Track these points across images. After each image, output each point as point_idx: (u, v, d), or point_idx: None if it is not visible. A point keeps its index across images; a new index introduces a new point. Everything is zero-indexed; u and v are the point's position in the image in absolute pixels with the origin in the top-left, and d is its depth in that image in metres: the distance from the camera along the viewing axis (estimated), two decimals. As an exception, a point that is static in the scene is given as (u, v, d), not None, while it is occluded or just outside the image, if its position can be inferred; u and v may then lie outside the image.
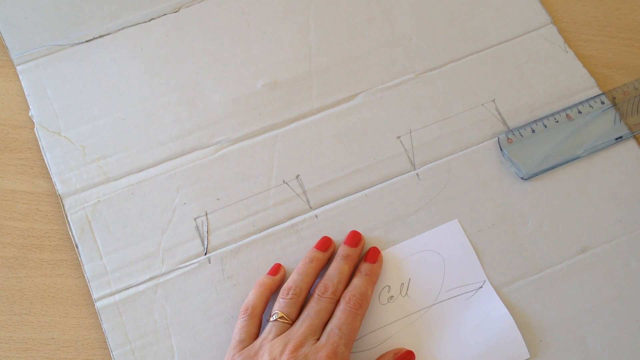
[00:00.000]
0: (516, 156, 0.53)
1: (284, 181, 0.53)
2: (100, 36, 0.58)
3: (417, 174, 0.54)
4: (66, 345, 0.49)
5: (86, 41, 0.58)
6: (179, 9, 0.59)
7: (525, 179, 0.53)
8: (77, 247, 0.51)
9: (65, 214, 0.52)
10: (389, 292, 0.50)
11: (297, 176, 0.54)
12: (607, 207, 0.53)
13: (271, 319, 0.46)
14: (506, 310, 0.49)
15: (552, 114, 0.55)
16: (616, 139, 0.54)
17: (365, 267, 0.49)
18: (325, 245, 0.50)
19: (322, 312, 0.46)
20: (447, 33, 0.59)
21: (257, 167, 0.54)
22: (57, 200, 0.53)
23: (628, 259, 0.51)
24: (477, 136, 0.55)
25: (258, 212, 0.52)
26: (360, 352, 0.49)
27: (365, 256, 0.50)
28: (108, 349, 0.48)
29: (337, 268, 0.49)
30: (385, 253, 0.51)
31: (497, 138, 0.55)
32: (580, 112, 0.55)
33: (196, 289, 0.50)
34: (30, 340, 0.49)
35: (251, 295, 0.48)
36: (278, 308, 0.46)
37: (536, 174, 0.53)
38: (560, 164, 0.53)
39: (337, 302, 0.47)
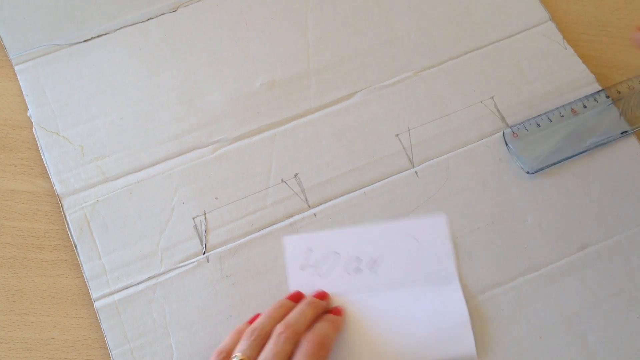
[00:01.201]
0: (522, 151, 0.53)
1: (282, 180, 0.53)
2: (99, 36, 0.58)
3: (415, 172, 0.54)
4: (66, 345, 0.49)
5: (84, 41, 0.58)
6: (177, 8, 0.59)
7: (531, 174, 0.53)
8: (75, 247, 0.51)
9: (64, 213, 0.52)
10: (358, 264, 0.50)
11: (296, 175, 0.54)
12: (607, 204, 0.53)
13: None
14: (466, 311, 0.49)
15: (557, 108, 0.55)
16: (622, 133, 0.54)
17: (329, 315, 0.48)
18: (297, 297, 0.49)
19: (280, 354, 0.43)
20: (446, 31, 0.59)
21: (255, 166, 0.54)
22: (56, 200, 0.53)
23: (628, 255, 0.51)
24: (476, 133, 0.55)
25: (256, 211, 0.52)
26: None
27: (330, 310, 0.49)
28: (107, 348, 0.48)
29: (299, 310, 0.47)
30: (365, 227, 0.52)
31: (502, 132, 0.54)
32: (585, 107, 0.55)
33: (195, 288, 0.50)
34: (30, 340, 0.49)
35: (227, 340, 0.46)
36: (240, 350, 0.44)
37: (542, 169, 0.53)
38: (566, 159, 0.53)
39: (298, 344, 0.45)
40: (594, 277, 0.50)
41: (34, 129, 0.55)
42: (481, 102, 0.56)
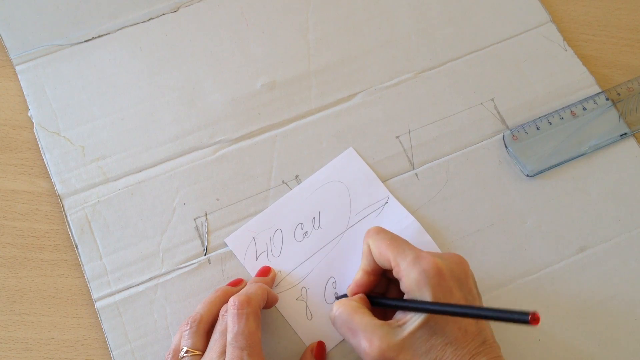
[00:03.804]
0: (521, 153, 0.53)
1: (283, 181, 0.53)
2: (99, 36, 0.58)
3: (416, 174, 0.54)
4: (66, 345, 0.49)
5: (85, 41, 0.58)
6: (178, 8, 0.59)
7: (531, 177, 0.53)
8: (76, 247, 0.51)
9: (65, 214, 0.52)
10: (302, 228, 0.52)
11: (297, 176, 0.54)
12: (606, 206, 0.53)
13: (180, 355, 0.44)
14: (413, 218, 0.52)
15: (557, 111, 0.55)
16: (621, 135, 0.54)
17: (255, 278, 0.49)
18: (237, 283, 0.50)
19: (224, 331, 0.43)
20: (446, 32, 0.59)
21: (256, 167, 0.54)
22: (57, 200, 0.53)
23: (626, 258, 0.51)
24: (476, 135, 0.55)
25: (257, 213, 0.52)
26: (286, 291, 0.50)
27: (258, 272, 0.50)
28: (108, 349, 0.49)
29: (244, 289, 0.46)
30: (291, 194, 0.53)
31: (501, 135, 0.55)
32: (585, 109, 0.55)
33: (196, 289, 0.50)
34: (30, 340, 0.49)
35: (174, 339, 0.46)
36: (184, 344, 0.44)
37: (542, 172, 0.53)
38: (565, 161, 0.54)
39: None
40: (592, 280, 0.51)
41: (34, 129, 0.54)
42: (481, 103, 0.56)
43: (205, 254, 0.51)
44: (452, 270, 0.43)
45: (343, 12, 0.59)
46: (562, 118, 0.55)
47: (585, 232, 0.52)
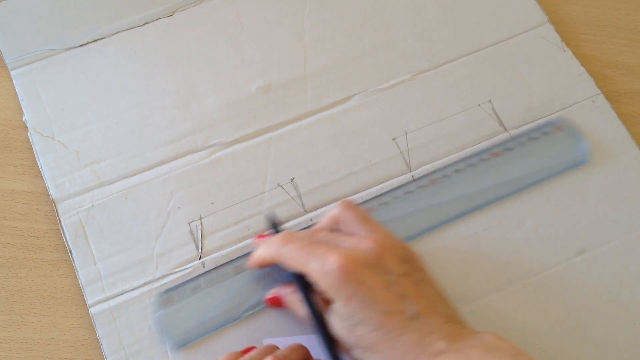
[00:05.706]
0: (169, 322, 0.49)
1: (278, 184, 0.53)
2: (94, 40, 0.58)
3: (412, 176, 0.53)
4: (66, 345, 0.50)
5: (80, 45, 0.57)
6: (173, 12, 0.59)
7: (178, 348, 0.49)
8: (70, 252, 0.51)
9: (59, 218, 0.52)
10: None
11: (292, 179, 0.53)
12: (604, 209, 0.52)
13: None
14: None
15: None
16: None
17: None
18: (248, 350, 0.46)
19: None
20: (443, 33, 0.58)
21: (251, 170, 0.54)
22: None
23: (625, 261, 0.51)
24: (474, 137, 0.55)
25: (252, 216, 0.52)
26: None
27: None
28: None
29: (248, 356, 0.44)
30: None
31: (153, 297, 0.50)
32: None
33: (190, 294, 0.50)
34: (30, 340, 0.50)
35: None
36: None
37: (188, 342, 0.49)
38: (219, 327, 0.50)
39: None
40: (590, 283, 0.50)
41: (29, 133, 0.55)
42: (479, 105, 0.56)
43: (199, 258, 0.51)
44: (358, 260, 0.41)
45: (339, 15, 0.59)
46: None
47: (583, 235, 0.52)
